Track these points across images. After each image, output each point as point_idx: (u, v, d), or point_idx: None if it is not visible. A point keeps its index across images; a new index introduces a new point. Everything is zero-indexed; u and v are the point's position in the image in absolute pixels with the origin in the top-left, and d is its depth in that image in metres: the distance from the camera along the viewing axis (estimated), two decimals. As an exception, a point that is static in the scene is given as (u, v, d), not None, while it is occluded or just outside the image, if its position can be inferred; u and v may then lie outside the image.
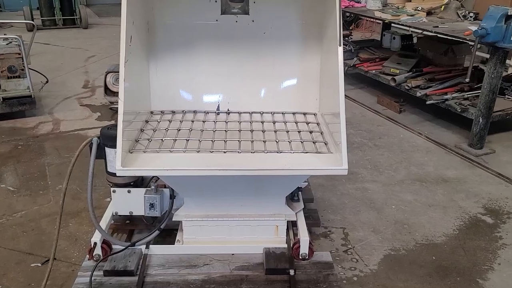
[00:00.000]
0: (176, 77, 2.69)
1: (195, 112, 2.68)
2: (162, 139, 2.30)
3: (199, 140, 2.30)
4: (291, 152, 2.21)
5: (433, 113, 4.90)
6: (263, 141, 2.33)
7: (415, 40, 6.22)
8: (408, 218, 3.11)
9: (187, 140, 2.30)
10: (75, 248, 2.75)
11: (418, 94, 4.59)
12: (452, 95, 4.40)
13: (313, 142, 2.33)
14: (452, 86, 4.67)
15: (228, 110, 2.71)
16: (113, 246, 2.44)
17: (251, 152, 2.21)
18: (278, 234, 2.53)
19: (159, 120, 2.56)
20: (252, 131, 2.46)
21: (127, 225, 2.74)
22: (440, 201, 3.32)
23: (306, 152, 2.22)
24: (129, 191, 2.49)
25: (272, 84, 2.74)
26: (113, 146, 2.20)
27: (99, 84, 5.76)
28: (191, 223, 2.49)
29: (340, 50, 2.11)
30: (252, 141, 2.32)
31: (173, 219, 2.47)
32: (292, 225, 2.69)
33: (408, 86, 4.77)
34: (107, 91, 4.47)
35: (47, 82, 5.13)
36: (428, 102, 4.46)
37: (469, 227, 3.02)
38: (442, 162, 3.95)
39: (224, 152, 2.20)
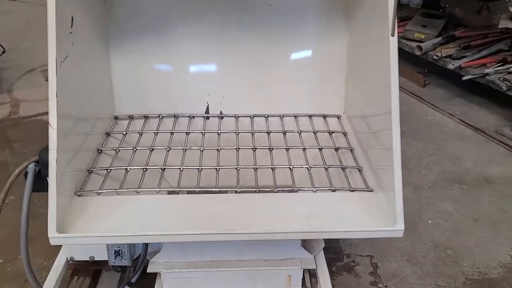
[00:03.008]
0: (148, 67, 1.97)
1: (175, 116, 1.97)
2: (126, 169, 1.61)
3: (180, 169, 1.61)
4: (312, 190, 1.53)
5: (464, 87, 4.13)
6: (272, 168, 1.65)
7: (440, -6, 5.32)
8: (450, 239, 2.46)
9: (163, 170, 1.60)
10: (24, 294, 2.11)
11: (451, 67, 3.80)
12: (494, 68, 3.63)
13: (342, 168, 1.65)
14: (491, 55, 3.88)
15: (221, 113, 2.01)
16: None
17: (256, 191, 1.52)
18: (291, 287, 1.89)
19: (125, 132, 1.85)
20: (254, 149, 1.76)
21: (91, 265, 2.09)
22: (488, 213, 2.67)
23: (335, 190, 1.54)
24: (87, 232, 1.81)
25: (280, 76, 2.02)
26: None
27: (71, 51, 4.92)
28: (172, 275, 1.83)
29: (393, 40, 1.36)
30: (256, 169, 1.63)
31: (148, 270, 1.81)
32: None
33: (437, 56, 3.97)
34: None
35: (3, 52, 4.28)
36: (464, 78, 3.69)
37: (529, 251, 2.40)
38: (481, 153, 3.26)
39: (217, 193, 1.51)
